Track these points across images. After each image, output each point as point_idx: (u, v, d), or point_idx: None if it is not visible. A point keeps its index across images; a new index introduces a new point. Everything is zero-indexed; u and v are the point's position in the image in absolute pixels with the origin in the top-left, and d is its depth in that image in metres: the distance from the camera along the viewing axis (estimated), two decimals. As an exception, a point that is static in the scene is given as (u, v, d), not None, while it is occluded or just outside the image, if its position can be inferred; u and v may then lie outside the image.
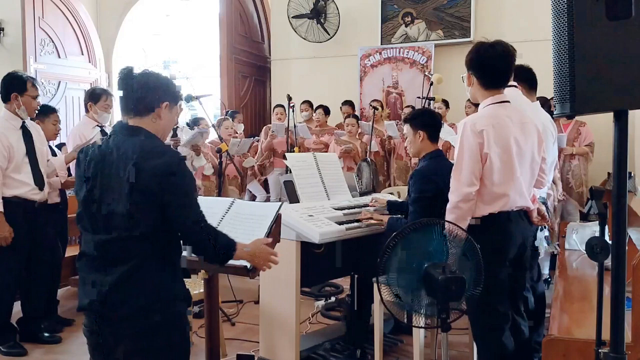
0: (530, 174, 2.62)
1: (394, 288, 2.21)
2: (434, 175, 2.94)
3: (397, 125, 6.07)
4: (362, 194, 3.94)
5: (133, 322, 1.83)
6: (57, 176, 4.07)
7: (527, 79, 3.25)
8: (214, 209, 2.50)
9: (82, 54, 8.23)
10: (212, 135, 5.63)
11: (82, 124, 4.62)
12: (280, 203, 2.45)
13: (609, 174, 5.56)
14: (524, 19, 6.57)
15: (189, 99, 4.42)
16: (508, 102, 2.60)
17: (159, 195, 1.80)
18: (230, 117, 6.40)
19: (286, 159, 3.74)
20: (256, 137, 6.77)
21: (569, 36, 1.44)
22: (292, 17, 7.54)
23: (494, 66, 2.56)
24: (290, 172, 3.57)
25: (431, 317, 2.24)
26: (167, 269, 1.89)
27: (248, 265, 2.14)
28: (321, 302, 4.44)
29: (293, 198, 3.49)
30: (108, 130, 4.31)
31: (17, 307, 3.86)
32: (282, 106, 6.53)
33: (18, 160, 3.64)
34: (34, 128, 3.84)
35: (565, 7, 1.44)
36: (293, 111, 5.96)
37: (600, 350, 1.71)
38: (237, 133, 6.27)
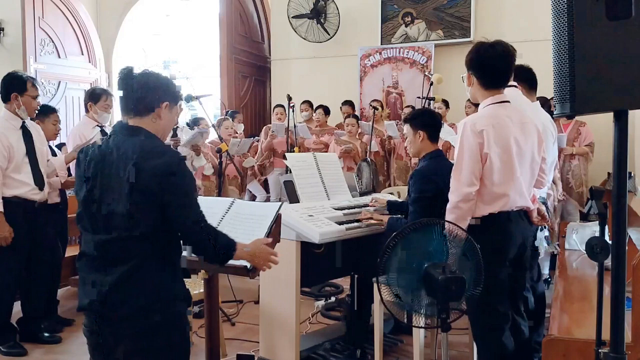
0: (530, 174, 2.62)
1: (394, 288, 2.21)
2: (434, 175, 2.94)
3: (397, 125, 6.07)
4: (362, 194, 3.94)
5: (133, 322, 1.83)
6: (57, 176, 4.07)
7: (527, 79, 3.25)
8: (214, 209, 2.50)
9: (82, 54, 8.23)
10: (212, 135, 5.63)
11: (82, 124, 4.62)
12: (280, 203, 2.45)
13: (609, 174, 5.56)
14: (524, 19, 6.57)
15: (189, 99, 4.42)
16: (508, 102, 2.60)
17: (159, 195, 1.80)
18: (230, 117, 6.40)
19: (286, 159, 3.74)
20: (256, 137, 6.77)
21: (569, 36, 1.44)
22: (292, 17, 7.54)
23: (494, 66, 2.56)
24: (290, 172, 3.57)
25: (431, 317, 2.24)
26: (167, 269, 1.89)
27: (248, 265, 2.14)
28: (321, 302, 4.44)
29: (293, 198, 3.49)
30: (108, 130, 4.31)
31: (17, 307, 3.86)
32: (282, 106, 6.53)
33: (18, 160, 3.64)
34: (34, 128, 3.84)
35: (565, 7, 1.44)
36: (293, 111, 5.96)
37: (600, 350, 1.71)
38: (237, 133, 6.27)
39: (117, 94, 1.97)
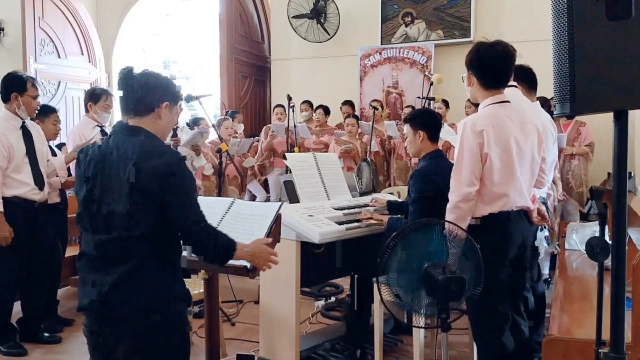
0: (530, 174, 2.62)
1: (394, 288, 2.21)
2: (434, 175, 2.94)
3: (397, 125, 6.07)
4: (362, 194, 3.94)
5: (133, 322, 1.83)
6: (57, 176, 4.07)
7: (527, 79, 3.25)
8: (214, 209, 2.50)
9: (82, 54, 8.23)
10: (212, 135, 5.63)
11: (82, 124, 4.62)
12: (280, 203, 2.45)
13: (609, 174, 5.56)
14: (524, 19, 6.57)
15: (189, 99, 4.42)
16: (508, 102, 2.60)
17: (159, 195, 1.80)
18: (230, 117, 6.40)
19: (286, 159, 3.74)
20: (256, 137, 6.77)
21: (569, 36, 1.44)
22: (292, 17, 7.54)
23: (494, 66, 2.56)
24: (290, 172, 3.57)
25: (431, 317, 2.24)
26: (167, 269, 1.89)
27: (248, 265, 2.14)
28: (321, 302, 4.44)
29: (293, 198, 3.49)
30: (108, 130, 4.31)
31: (17, 307, 3.86)
32: (282, 106, 6.53)
33: (18, 160, 3.64)
34: (34, 128, 3.84)
35: (565, 7, 1.44)
36: (293, 111, 5.96)
37: (600, 350, 1.71)
38: (237, 133, 6.27)
39: (117, 94, 1.97)
